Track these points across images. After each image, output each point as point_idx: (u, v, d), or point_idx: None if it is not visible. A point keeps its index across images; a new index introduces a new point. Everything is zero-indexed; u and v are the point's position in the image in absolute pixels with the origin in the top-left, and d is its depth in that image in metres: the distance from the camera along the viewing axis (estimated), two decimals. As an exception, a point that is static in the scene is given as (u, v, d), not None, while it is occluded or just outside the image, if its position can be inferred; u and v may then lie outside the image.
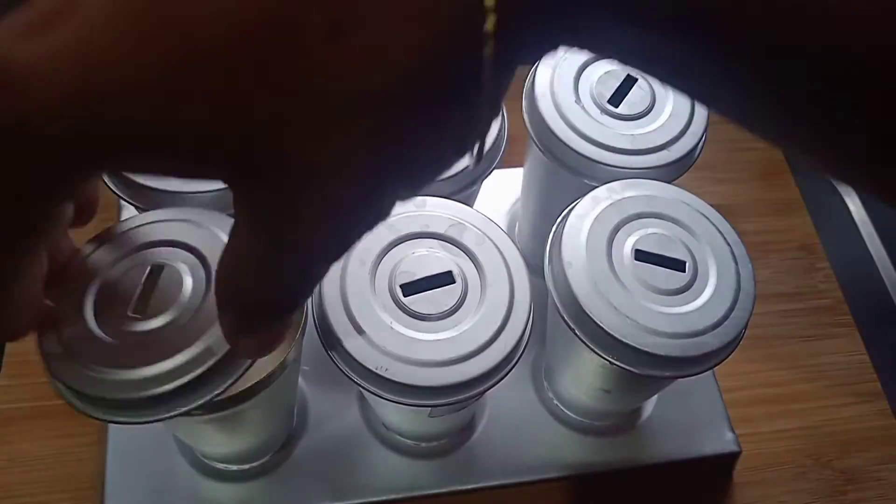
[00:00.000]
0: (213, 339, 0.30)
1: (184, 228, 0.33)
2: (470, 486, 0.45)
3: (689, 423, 0.48)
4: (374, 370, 0.33)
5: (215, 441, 0.43)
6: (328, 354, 0.35)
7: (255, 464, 0.44)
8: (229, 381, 0.30)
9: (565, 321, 0.36)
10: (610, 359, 0.36)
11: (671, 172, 0.42)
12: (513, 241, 0.37)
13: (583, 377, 0.42)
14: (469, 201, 0.44)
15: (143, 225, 0.33)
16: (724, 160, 0.65)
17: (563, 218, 0.39)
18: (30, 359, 0.51)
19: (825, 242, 0.63)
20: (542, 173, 0.46)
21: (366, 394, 0.35)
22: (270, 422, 0.42)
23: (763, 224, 0.64)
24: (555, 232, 0.38)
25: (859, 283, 0.62)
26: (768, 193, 0.65)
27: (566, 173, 0.42)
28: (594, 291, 0.36)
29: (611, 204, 0.38)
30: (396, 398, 0.34)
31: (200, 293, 0.31)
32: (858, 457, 0.54)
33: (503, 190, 0.56)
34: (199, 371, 0.29)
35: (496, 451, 0.46)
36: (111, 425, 0.45)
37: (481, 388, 0.34)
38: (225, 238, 0.33)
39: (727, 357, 0.37)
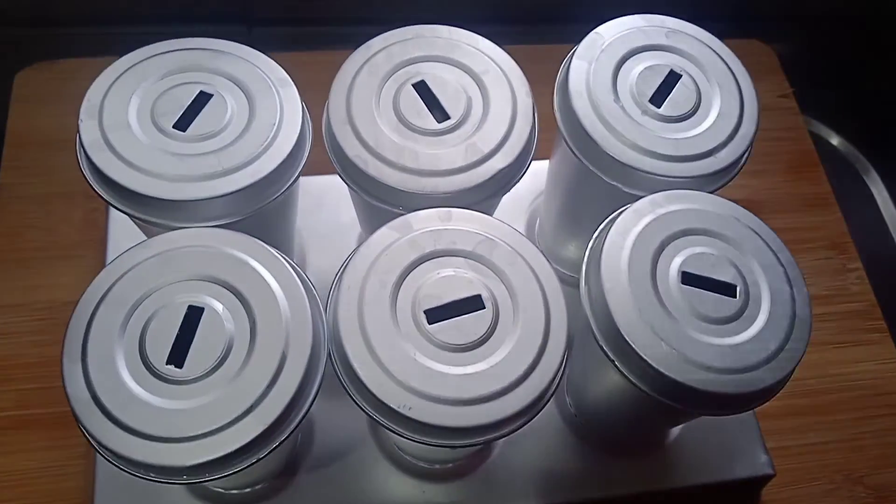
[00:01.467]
0: (259, 407, 0.28)
1: (221, 262, 0.31)
2: (487, 511, 0.42)
3: (722, 444, 0.45)
4: (396, 409, 0.30)
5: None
6: (344, 388, 0.31)
7: (255, 488, 0.41)
8: (272, 448, 0.29)
9: (604, 351, 0.33)
10: (653, 393, 0.32)
11: (717, 181, 0.38)
12: (546, 258, 0.34)
13: (615, 404, 0.39)
14: (490, 210, 0.40)
15: (172, 251, 0.31)
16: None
17: (601, 233, 0.35)
18: (13, 363, 0.47)
19: (858, 241, 0.59)
20: (571, 173, 0.42)
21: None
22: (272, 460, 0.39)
23: (791, 220, 0.60)
24: (592, 249, 0.35)
25: (894, 286, 0.59)
26: (797, 188, 0.62)
27: (600, 178, 0.38)
28: (638, 319, 0.32)
29: (654, 219, 0.35)
30: (420, 438, 0.30)
31: (244, 344, 0.29)
32: (891, 473, 0.51)
33: (525, 184, 0.52)
34: (242, 443, 0.28)
35: (515, 473, 0.43)
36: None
37: (512, 428, 0.31)
38: (267, 275, 0.31)
39: (778, 392, 0.34)
